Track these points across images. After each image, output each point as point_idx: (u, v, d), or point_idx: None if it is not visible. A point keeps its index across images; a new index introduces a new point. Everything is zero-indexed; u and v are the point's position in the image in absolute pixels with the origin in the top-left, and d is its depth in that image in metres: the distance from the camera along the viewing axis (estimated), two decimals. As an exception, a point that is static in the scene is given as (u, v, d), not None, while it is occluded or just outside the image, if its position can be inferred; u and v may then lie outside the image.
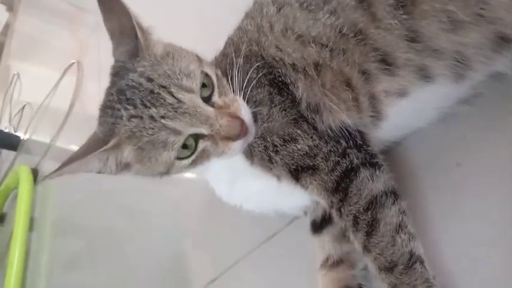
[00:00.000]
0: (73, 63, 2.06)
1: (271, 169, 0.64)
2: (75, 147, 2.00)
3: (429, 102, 0.59)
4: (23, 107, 2.39)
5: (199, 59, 0.63)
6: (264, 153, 0.63)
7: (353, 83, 0.58)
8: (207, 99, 0.60)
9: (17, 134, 2.32)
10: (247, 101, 0.64)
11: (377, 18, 0.54)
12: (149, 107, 0.56)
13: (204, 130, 0.58)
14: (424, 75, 0.54)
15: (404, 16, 0.52)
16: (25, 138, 2.26)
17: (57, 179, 1.89)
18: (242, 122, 0.59)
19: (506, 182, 0.55)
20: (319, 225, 0.70)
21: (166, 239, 1.16)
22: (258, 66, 0.64)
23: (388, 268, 0.53)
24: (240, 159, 0.65)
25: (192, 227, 1.05)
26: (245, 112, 0.61)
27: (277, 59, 0.63)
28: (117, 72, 0.61)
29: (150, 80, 0.57)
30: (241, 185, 0.69)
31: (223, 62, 0.69)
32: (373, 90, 0.57)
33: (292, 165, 0.61)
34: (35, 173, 1.95)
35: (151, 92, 0.56)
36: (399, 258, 0.53)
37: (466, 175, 0.59)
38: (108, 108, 0.60)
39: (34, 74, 2.77)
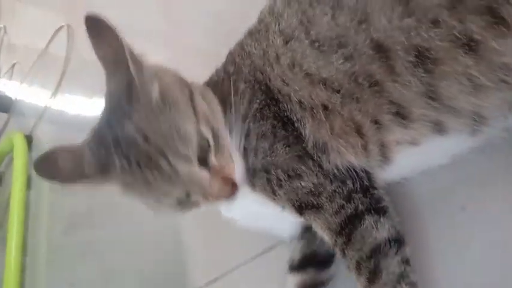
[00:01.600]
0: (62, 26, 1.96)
1: (274, 199, 0.63)
2: (70, 109, 1.97)
3: (440, 151, 0.57)
4: (13, 65, 2.30)
5: (194, 108, 0.60)
6: (267, 185, 0.62)
7: (363, 130, 0.56)
8: (202, 160, 0.59)
9: (8, 94, 2.25)
10: (248, 133, 0.62)
11: (395, 72, 0.51)
12: (144, 170, 0.56)
13: (196, 194, 0.59)
14: (439, 130, 0.53)
15: (423, 74, 0.49)
16: (17, 99, 2.21)
17: (53, 137, 1.88)
18: (234, 184, 0.60)
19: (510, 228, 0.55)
20: (296, 266, 0.72)
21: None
22: (262, 96, 0.62)
23: None
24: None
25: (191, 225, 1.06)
26: (238, 172, 0.61)
27: (283, 93, 0.61)
28: (113, 109, 0.58)
29: (146, 139, 0.55)
30: (240, 202, 0.67)
31: (225, 83, 0.66)
32: (384, 139, 0.56)
33: (297, 201, 0.61)
34: (29, 139, 1.93)
35: (148, 155, 0.55)
36: None
37: (470, 219, 0.58)
38: (102, 143, 0.58)
39: (26, 25, 2.64)
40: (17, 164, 1.78)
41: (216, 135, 0.61)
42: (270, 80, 0.62)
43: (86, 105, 1.92)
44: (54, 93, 1.95)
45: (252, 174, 0.63)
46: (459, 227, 0.60)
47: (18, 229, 1.70)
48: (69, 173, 0.58)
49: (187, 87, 0.63)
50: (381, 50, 0.51)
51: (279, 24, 0.61)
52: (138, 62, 0.57)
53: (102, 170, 0.57)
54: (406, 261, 0.56)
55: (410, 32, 0.48)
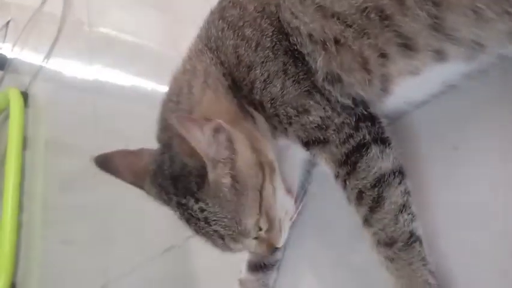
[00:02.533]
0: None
1: (285, 138, 0.65)
2: (65, 70, 1.95)
3: (437, 79, 0.59)
4: (7, 23, 2.26)
5: (260, 202, 0.64)
6: (279, 125, 0.64)
7: (370, 66, 0.57)
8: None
9: (2, 52, 2.22)
10: (253, 85, 0.64)
11: (405, 6, 0.52)
12: (198, 234, 0.64)
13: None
14: (439, 58, 0.54)
15: (432, 7, 0.50)
16: (12, 57, 2.18)
17: (49, 96, 1.88)
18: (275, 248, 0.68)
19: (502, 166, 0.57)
20: (253, 267, 0.79)
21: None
22: (272, 31, 0.62)
23: (388, 243, 0.56)
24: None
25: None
26: (283, 239, 0.68)
27: (292, 26, 0.61)
28: (179, 177, 0.63)
29: (206, 221, 0.61)
30: None
31: (226, 33, 0.67)
32: (388, 72, 0.57)
33: (305, 138, 0.62)
34: (24, 96, 1.92)
35: (206, 232, 0.62)
36: (400, 236, 0.56)
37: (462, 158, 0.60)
38: (163, 188, 0.65)
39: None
40: (13, 118, 1.78)
41: (267, 212, 0.65)
42: (280, 12, 0.62)
43: (81, 67, 1.90)
44: (49, 53, 1.92)
45: (268, 122, 0.65)
46: (452, 167, 0.61)
47: (15, 183, 1.71)
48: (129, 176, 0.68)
49: (261, 172, 0.64)
50: None
51: None
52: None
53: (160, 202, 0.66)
54: (408, 193, 0.57)
55: None
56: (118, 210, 1.34)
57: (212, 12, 0.73)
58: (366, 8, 0.54)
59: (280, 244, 0.68)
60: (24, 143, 1.86)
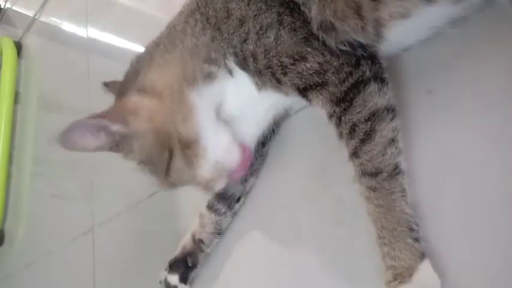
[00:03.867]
0: None
1: (279, 88, 0.66)
2: (60, 24, 1.93)
3: (425, 22, 0.60)
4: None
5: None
6: (272, 78, 0.65)
7: (363, 11, 0.58)
8: None
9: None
10: (246, 38, 0.65)
11: None
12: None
13: None
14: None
15: None
16: (5, 7, 2.14)
17: (42, 48, 1.86)
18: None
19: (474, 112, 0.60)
20: (210, 207, 0.84)
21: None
22: None
23: (373, 174, 0.59)
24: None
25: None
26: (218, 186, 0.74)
27: None
28: None
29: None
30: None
31: None
32: (380, 16, 0.58)
33: (302, 85, 0.64)
34: (18, 46, 1.90)
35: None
36: (385, 167, 0.58)
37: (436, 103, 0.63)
38: None
39: None
40: (6, 66, 1.76)
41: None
42: None
43: (77, 27, 1.88)
44: (43, 6, 1.90)
45: (257, 77, 0.67)
46: (424, 110, 0.64)
47: (5, 139, 1.70)
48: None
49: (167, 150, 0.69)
50: None
51: None
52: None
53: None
54: (398, 130, 0.60)
55: None
56: (106, 165, 1.35)
57: None
58: None
59: (210, 191, 0.76)
60: (16, 98, 1.85)
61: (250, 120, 0.74)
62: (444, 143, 0.62)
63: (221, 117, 0.71)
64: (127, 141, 0.70)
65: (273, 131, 0.80)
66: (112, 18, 1.75)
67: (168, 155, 0.69)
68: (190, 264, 0.84)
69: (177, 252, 0.86)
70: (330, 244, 0.70)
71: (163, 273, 0.85)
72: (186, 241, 0.86)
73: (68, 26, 1.91)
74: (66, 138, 0.67)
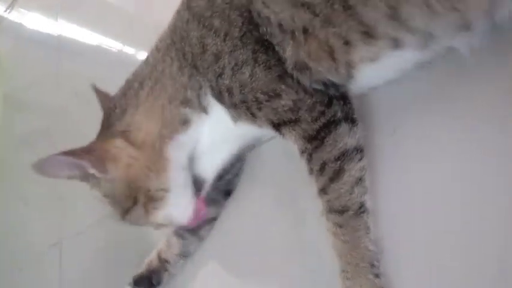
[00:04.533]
0: None
1: (254, 121, 0.68)
2: (31, 21, 1.87)
3: (392, 65, 0.63)
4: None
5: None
6: (248, 111, 0.67)
7: (335, 54, 0.60)
8: None
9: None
10: (221, 73, 0.67)
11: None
12: None
13: None
14: (396, 45, 0.58)
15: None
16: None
17: (9, 53, 1.81)
18: None
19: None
20: (178, 234, 0.87)
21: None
22: (242, 22, 0.65)
23: (340, 211, 0.61)
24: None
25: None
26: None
27: (262, 15, 0.63)
28: None
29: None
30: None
31: (190, 26, 0.70)
32: (351, 58, 0.60)
33: (276, 120, 0.65)
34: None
35: None
36: (352, 205, 0.61)
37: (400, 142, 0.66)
38: None
39: None
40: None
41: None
42: (251, 3, 0.64)
43: (47, 21, 1.83)
44: (12, 4, 1.84)
45: (233, 109, 0.68)
46: (388, 149, 0.67)
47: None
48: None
49: (131, 200, 0.73)
50: None
51: None
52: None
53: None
54: (365, 169, 0.62)
55: None
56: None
57: (182, 3, 0.74)
58: None
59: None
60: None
61: (217, 154, 0.77)
62: (406, 182, 0.64)
63: (190, 161, 0.75)
64: (98, 179, 0.73)
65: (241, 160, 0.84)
66: (84, 13, 1.71)
67: (132, 204, 0.73)
68: (154, 283, 0.87)
69: (143, 269, 0.88)
70: (295, 270, 0.72)
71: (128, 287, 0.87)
72: (152, 259, 0.88)
73: (37, 23, 1.85)
74: (43, 168, 0.70)
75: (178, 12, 0.75)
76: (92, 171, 0.71)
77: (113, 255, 1.10)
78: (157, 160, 0.72)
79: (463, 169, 0.60)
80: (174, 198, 0.74)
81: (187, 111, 0.72)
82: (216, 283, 0.84)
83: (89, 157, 0.71)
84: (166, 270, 0.87)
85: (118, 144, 0.73)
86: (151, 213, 0.74)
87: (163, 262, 0.87)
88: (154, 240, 0.92)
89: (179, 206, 0.75)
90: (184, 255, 0.87)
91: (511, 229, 0.54)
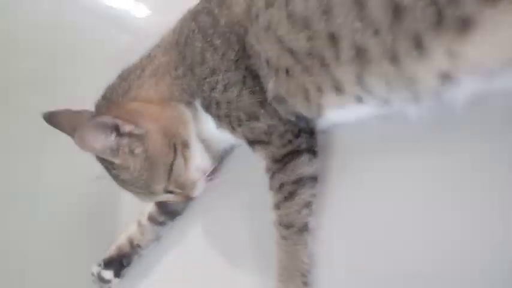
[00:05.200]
0: None
1: (233, 133, 0.79)
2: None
3: (356, 114, 0.72)
4: None
5: (169, 174, 0.78)
6: (229, 124, 0.77)
7: (310, 96, 0.70)
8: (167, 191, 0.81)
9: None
10: (214, 86, 0.76)
11: (340, 60, 0.63)
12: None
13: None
14: (359, 101, 0.68)
15: (358, 66, 0.63)
16: None
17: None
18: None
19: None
20: (152, 219, 0.97)
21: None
22: (238, 48, 0.73)
23: (286, 226, 0.73)
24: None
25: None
26: (199, 189, 0.83)
27: (254, 49, 0.72)
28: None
29: (123, 182, 0.79)
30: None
31: (195, 37, 0.77)
32: (322, 102, 0.70)
33: (251, 138, 0.76)
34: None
35: (126, 188, 0.81)
36: (297, 223, 0.73)
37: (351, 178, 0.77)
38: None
39: None
40: None
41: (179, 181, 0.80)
42: (247, 34, 0.72)
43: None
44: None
45: (217, 119, 0.79)
46: (340, 181, 0.78)
47: None
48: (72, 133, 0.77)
49: (173, 151, 0.77)
50: (333, 40, 0.63)
51: None
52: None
53: None
54: (315, 196, 0.74)
55: (356, 34, 0.61)
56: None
57: (189, 12, 0.83)
58: (312, 53, 0.66)
59: (194, 195, 0.83)
60: None
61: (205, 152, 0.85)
62: (348, 210, 0.76)
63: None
64: (131, 144, 0.75)
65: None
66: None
67: (173, 154, 0.77)
68: (125, 264, 0.96)
69: (112, 252, 0.97)
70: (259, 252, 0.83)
71: (97, 268, 0.95)
72: (122, 244, 0.97)
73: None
74: (83, 137, 0.70)
75: (185, 19, 0.83)
76: (128, 128, 0.73)
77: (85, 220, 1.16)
78: (176, 113, 0.79)
79: (402, 205, 0.71)
80: (197, 150, 0.81)
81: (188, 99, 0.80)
82: (180, 261, 0.93)
83: (119, 115, 0.73)
84: (137, 253, 0.97)
85: (136, 105, 0.77)
86: (188, 162, 0.79)
87: (135, 247, 0.96)
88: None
89: (202, 157, 0.82)
90: (157, 239, 0.97)
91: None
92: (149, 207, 0.99)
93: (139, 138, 0.75)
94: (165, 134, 0.77)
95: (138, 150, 0.75)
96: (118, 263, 0.96)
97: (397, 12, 0.56)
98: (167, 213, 0.96)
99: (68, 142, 0.76)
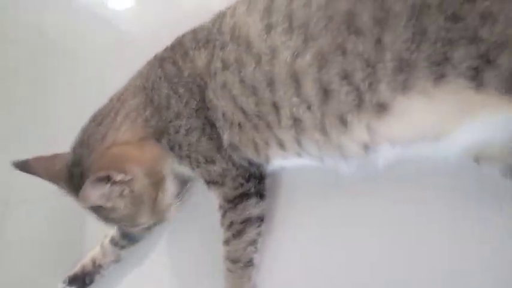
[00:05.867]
0: None
1: (192, 171, 0.87)
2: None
3: (298, 164, 0.81)
4: None
5: (154, 209, 0.87)
6: (189, 165, 0.85)
7: (258, 148, 0.79)
8: None
9: None
10: (178, 130, 0.83)
11: (280, 125, 0.73)
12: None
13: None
14: (299, 156, 0.77)
15: (295, 132, 0.73)
16: None
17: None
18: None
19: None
20: (114, 242, 1.03)
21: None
22: (199, 99, 0.82)
23: (233, 260, 0.82)
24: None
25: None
26: (174, 211, 0.91)
27: (212, 103, 0.81)
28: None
29: (107, 217, 0.85)
30: None
31: (162, 84, 0.85)
32: (268, 153, 0.80)
33: (207, 178, 0.85)
34: None
35: (107, 221, 0.87)
36: (243, 259, 0.82)
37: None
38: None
39: None
40: None
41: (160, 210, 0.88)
42: (208, 89, 0.81)
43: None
44: None
45: (178, 158, 0.86)
46: (283, 221, 0.89)
47: None
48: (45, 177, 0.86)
49: (155, 188, 0.85)
50: (275, 108, 0.73)
51: (221, 49, 0.78)
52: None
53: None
54: (261, 234, 0.84)
55: (294, 107, 0.70)
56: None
57: (155, 58, 0.90)
58: (259, 115, 0.75)
59: (170, 219, 0.91)
60: None
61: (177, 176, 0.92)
62: (290, 248, 0.87)
63: None
64: (121, 189, 0.81)
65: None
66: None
67: (156, 189, 0.85)
68: (87, 282, 1.03)
69: (77, 270, 1.04)
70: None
71: (62, 285, 1.02)
72: (86, 263, 1.04)
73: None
74: (87, 197, 0.76)
75: (151, 65, 0.90)
76: (120, 177, 0.79)
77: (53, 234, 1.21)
78: (154, 152, 0.85)
79: (339, 245, 0.82)
80: (172, 180, 0.88)
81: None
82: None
83: (110, 166, 0.79)
84: (99, 273, 1.04)
85: (119, 151, 0.83)
86: (166, 192, 0.86)
87: (97, 267, 1.03)
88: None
89: (175, 185, 0.89)
90: (117, 260, 1.04)
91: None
92: (112, 230, 1.05)
93: (128, 182, 0.81)
94: (148, 174, 0.84)
95: (126, 192, 0.82)
96: (81, 281, 1.02)
97: (326, 93, 0.67)
98: (128, 238, 1.03)
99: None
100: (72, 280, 1.02)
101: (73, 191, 0.83)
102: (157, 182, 0.85)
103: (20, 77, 1.55)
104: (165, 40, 0.92)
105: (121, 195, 0.81)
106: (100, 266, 1.03)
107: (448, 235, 0.75)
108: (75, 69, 1.42)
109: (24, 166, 0.86)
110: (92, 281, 1.03)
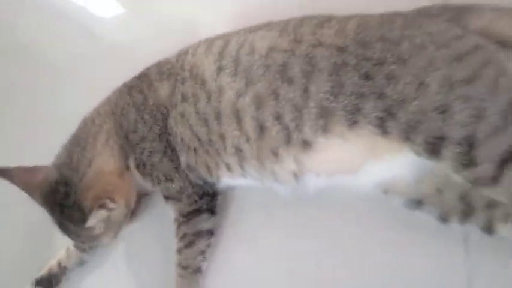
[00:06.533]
0: None
1: (153, 188, 0.99)
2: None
3: (244, 183, 0.92)
4: None
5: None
6: (151, 182, 0.97)
7: (211, 169, 0.91)
8: None
9: None
10: (142, 151, 0.95)
11: (226, 150, 0.85)
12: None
13: None
14: (244, 177, 0.89)
15: (238, 161, 0.85)
16: None
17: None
18: None
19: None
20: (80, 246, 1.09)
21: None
22: (162, 125, 0.93)
23: (184, 267, 0.93)
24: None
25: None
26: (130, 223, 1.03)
27: (172, 130, 0.92)
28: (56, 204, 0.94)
29: (76, 234, 0.96)
30: None
31: (131, 110, 0.96)
32: (219, 174, 0.91)
33: (166, 194, 0.96)
34: None
35: (69, 236, 0.97)
36: (192, 266, 0.93)
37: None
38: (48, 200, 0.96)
39: None
40: None
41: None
42: (169, 117, 0.91)
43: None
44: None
45: (142, 176, 0.97)
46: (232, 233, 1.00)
47: None
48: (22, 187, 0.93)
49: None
50: (222, 138, 0.84)
51: (182, 84, 0.90)
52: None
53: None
54: (210, 246, 0.95)
55: (235, 138, 0.83)
56: None
57: (124, 85, 1.01)
58: (210, 142, 0.87)
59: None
60: None
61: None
62: (236, 258, 0.98)
63: None
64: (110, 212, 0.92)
65: None
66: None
67: (127, 214, 0.98)
68: (53, 284, 1.11)
69: (44, 272, 1.11)
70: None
71: (29, 287, 1.10)
72: (52, 265, 1.12)
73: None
74: (93, 219, 0.89)
75: (120, 92, 1.01)
76: (111, 206, 0.90)
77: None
78: (131, 181, 0.97)
79: (283, 258, 0.93)
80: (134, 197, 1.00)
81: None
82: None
83: (105, 195, 0.90)
84: (64, 274, 1.11)
85: (107, 181, 0.94)
86: (129, 208, 0.98)
87: (62, 269, 1.11)
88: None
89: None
90: (81, 263, 1.13)
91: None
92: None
93: (111, 209, 0.91)
94: (126, 202, 0.96)
95: (105, 217, 0.91)
96: (48, 282, 1.10)
97: (261, 130, 0.80)
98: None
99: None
100: (39, 282, 1.10)
101: (49, 204, 0.93)
102: (128, 209, 0.97)
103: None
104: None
105: (102, 219, 0.91)
106: (65, 268, 1.12)
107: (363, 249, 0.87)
108: (59, 79, 1.48)
109: (4, 173, 0.93)
110: (57, 283, 1.12)
